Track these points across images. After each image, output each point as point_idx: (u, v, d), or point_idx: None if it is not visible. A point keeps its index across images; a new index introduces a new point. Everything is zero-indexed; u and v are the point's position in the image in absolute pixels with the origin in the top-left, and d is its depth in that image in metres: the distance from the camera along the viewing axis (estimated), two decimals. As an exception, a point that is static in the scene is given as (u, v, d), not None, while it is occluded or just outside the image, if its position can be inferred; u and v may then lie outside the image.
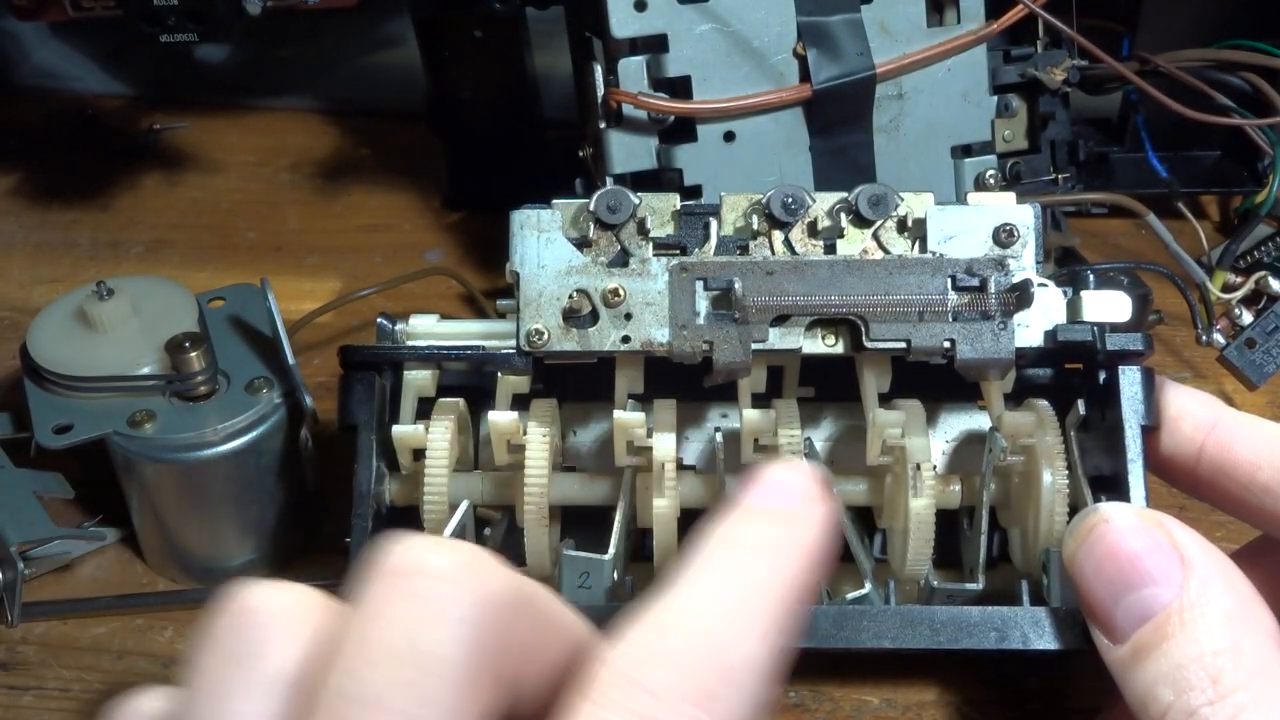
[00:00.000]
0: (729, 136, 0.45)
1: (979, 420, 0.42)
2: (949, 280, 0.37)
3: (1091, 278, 0.48)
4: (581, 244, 0.38)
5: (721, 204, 0.38)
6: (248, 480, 0.42)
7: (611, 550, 0.36)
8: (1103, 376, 0.38)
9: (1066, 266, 0.51)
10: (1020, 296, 0.36)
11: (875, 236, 0.38)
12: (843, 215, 0.38)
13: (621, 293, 0.37)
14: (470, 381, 0.41)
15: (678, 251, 0.38)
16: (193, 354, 0.42)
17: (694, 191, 0.45)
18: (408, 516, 0.39)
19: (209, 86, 0.74)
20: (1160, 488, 0.38)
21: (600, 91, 0.45)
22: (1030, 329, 0.37)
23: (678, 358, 0.37)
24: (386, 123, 0.70)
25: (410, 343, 0.40)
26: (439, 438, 0.38)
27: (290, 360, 0.42)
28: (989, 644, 0.35)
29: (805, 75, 0.44)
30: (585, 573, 0.35)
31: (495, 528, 0.41)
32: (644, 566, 0.39)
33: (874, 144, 0.46)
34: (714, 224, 0.38)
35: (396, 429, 0.38)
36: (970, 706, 0.39)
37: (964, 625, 0.35)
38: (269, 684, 0.24)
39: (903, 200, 0.38)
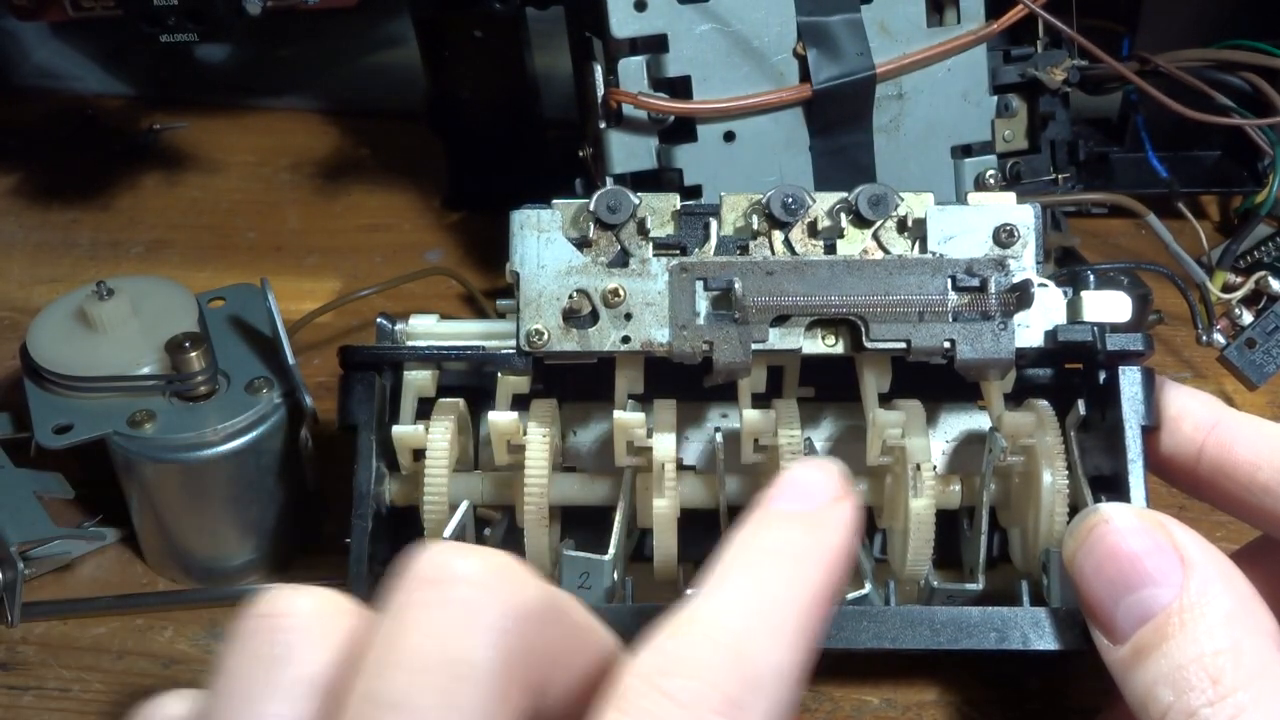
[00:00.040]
0: (729, 136, 0.45)
1: (979, 420, 0.42)
2: (949, 280, 0.37)
3: (1091, 278, 0.48)
4: (581, 244, 0.38)
5: (721, 204, 0.38)
6: (248, 480, 0.42)
7: (611, 550, 0.36)
8: (1103, 376, 0.38)
9: (1066, 266, 0.51)
10: (1020, 297, 0.36)
11: (875, 236, 0.38)
12: (843, 215, 0.38)
13: (621, 293, 0.37)
14: (470, 381, 0.41)
15: (678, 251, 0.38)
16: (193, 354, 0.42)
17: (694, 191, 0.45)
18: (408, 516, 0.39)
19: (209, 86, 0.74)
20: (1160, 488, 0.38)
21: (600, 91, 0.45)
22: (1030, 329, 0.37)
23: (678, 358, 0.37)
24: (386, 123, 0.70)
25: (410, 343, 0.40)
26: (439, 438, 0.38)
27: (290, 360, 0.42)
28: (989, 644, 0.35)
29: (805, 75, 0.44)
30: (585, 573, 0.35)
31: (495, 528, 0.41)
32: (644, 566, 0.39)
33: (874, 144, 0.46)
34: (714, 224, 0.38)
35: (396, 429, 0.38)
36: (970, 706, 0.39)
37: (964, 625, 0.35)
38: (298, 687, 0.24)
39: (903, 200, 0.38)
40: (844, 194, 0.38)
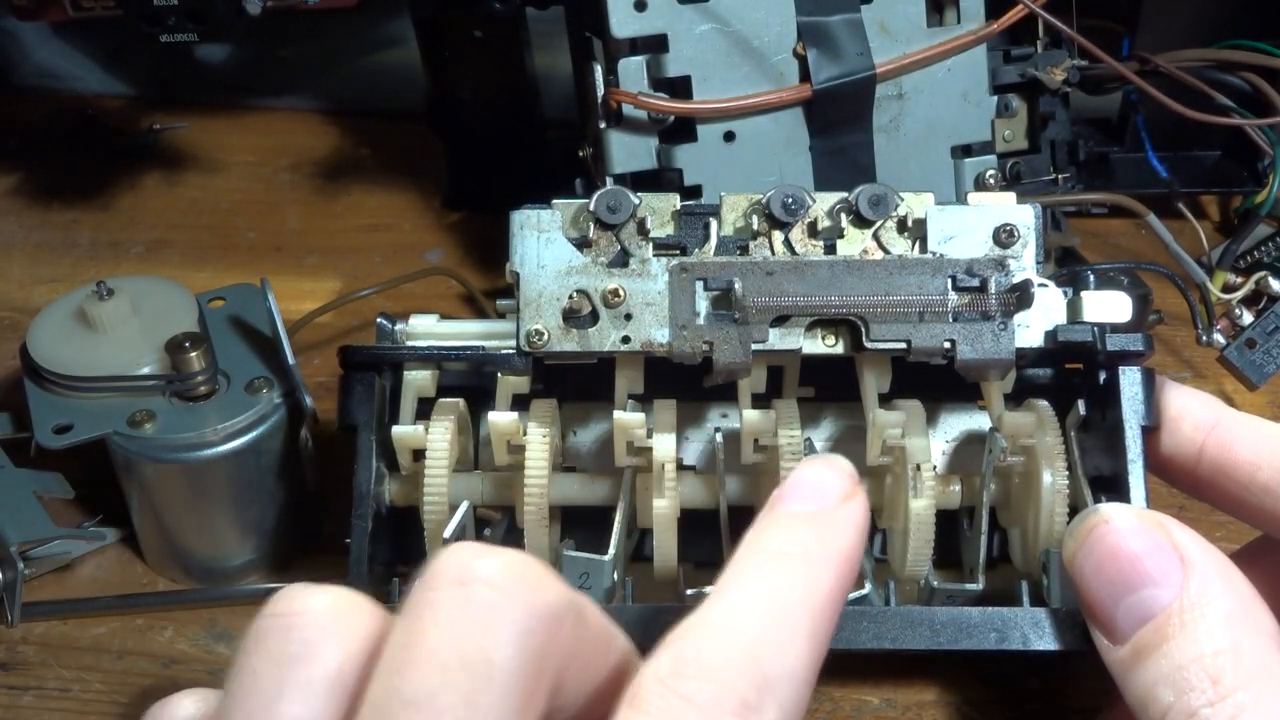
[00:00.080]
0: (729, 136, 0.45)
1: (979, 420, 0.42)
2: (949, 280, 0.37)
3: (1091, 278, 0.48)
4: (581, 244, 0.38)
5: (721, 204, 0.38)
6: (248, 480, 0.42)
7: (611, 551, 0.36)
8: (1103, 377, 0.38)
9: (1066, 266, 0.51)
10: (1020, 297, 0.36)
11: (875, 236, 0.38)
12: (843, 215, 0.38)
13: (621, 293, 0.37)
14: (470, 381, 0.41)
15: (678, 251, 0.38)
16: (193, 354, 0.42)
17: (694, 191, 0.45)
18: (408, 517, 0.39)
19: (209, 86, 0.74)
20: (1160, 488, 0.38)
21: (600, 91, 0.45)
22: (1030, 329, 0.37)
23: (678, 358, 0.37)
24: (386, 123, 0.70)
25: (410, 343, 0.40)
26: (439, 438, 0.38)
27: (290, 360, 0.42)
28: (989, 644, 0.35)
29: (805, 75, 0.44)
30: (585, 573, 0.35)
31: (495, 528, 0.41)
32: (644, 566, 0.39)
33: (874, 144, 0.46)
34: (714, 224, 0.38)
35: (396, 429, 0.38)
36: (970, 706, 0.39)
37: (964, 626, 0.35)
38: (315, 686, 0.24)
39: (903, 200, 0.38)
40: (844, 194, 0.38)
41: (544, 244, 0.38)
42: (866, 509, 0.29)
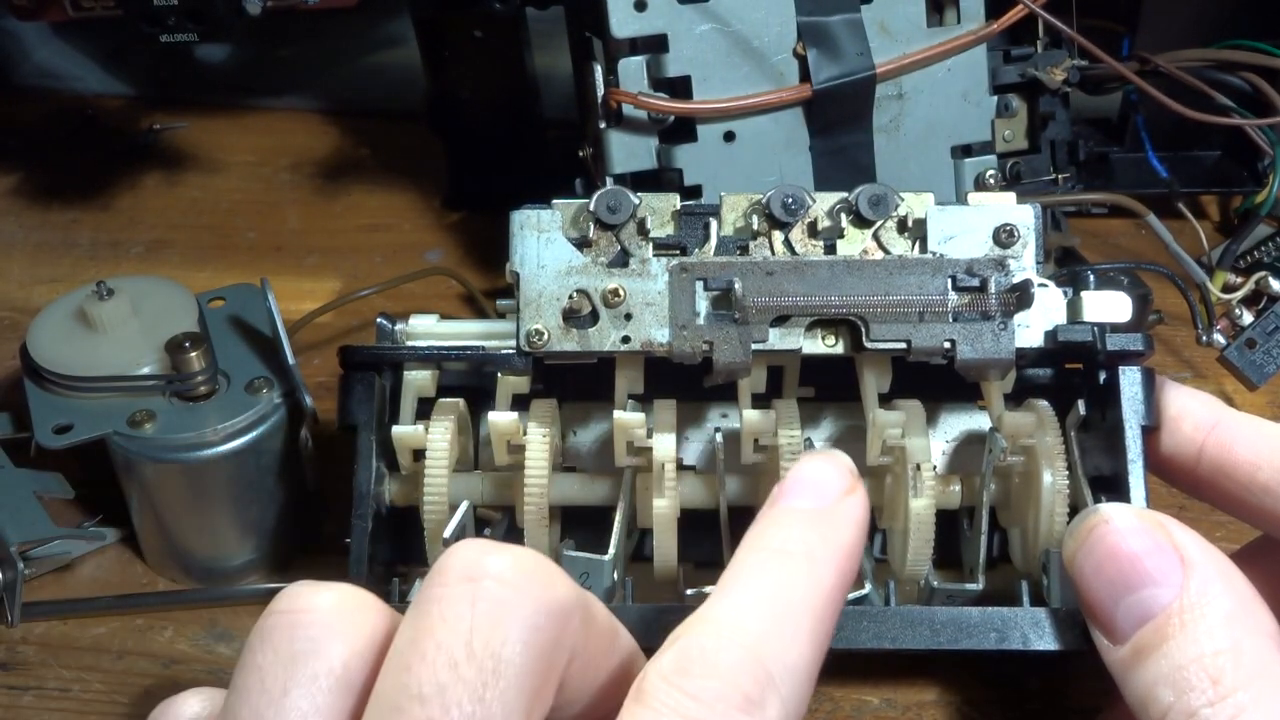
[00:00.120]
0: (729, 136, 0.45)
1: (979, 420, 0.42)
2: (949, 280, 0.37)
3: (1091, 278, 0.48)
4: (581, 244, 0.38)
5: (721, 204, 0.38)
6: (248, 480, 0.42)
7: (611, 550, 0.36)
8: (1103, 376, 0.38)
9: (1066, 266, 0.51)
10: (1020, 297, 0.36)
11: (875, 236, 0.38)
12: (843, 215, 0.38)
13: (621, 293, 0.37)
14: (470, 381, 0.41)
15: (678, 251, 0.38)
16: (193, 354, 0.42)
17: (694, 191, 0.45)
18: (408, 516, 0.39)
19: (209, 86, 0.74)
20: (1160, 488, 0.38)
21: (600, 91, 0.45)
22: (1030, 329, 0.37)
23: (678, 358, 0.37)
24: (386, 123, 0.70)
25: (410, 343, 0.40)
26: (439, 438, 0.38)
27: (290, 360, 0.42)
28: (989, 644, 0.35)
29: (805, 75, 0.44)
30: (585, 573, 0.35)
31: (495, 528, 0.41)
32: (644, 566, 0.39)
33: (874, 144, 0.46)
34: (714, 224, 0.38)
35: (396, 429, 0.38)
36: (970, 706, 0.39)
37: (964, 626, 0.35)
38: (322, 681, 0.24)
39: (903, 200, 0.38)
40: (844, 194, 0.38)
41: (544, 244, 0.38)
42: (866, 503, 0.30)
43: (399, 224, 0.63)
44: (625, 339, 0.37)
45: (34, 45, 0.77)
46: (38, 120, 0.73)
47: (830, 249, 0.38)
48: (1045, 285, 0.37)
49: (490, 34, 0.58)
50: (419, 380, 0.40)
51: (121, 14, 0.53)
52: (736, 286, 0.36)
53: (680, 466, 0.40)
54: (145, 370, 0.43)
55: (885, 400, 0.39)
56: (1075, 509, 0.37)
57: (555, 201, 0.38)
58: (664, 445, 0.38)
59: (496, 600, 0.24)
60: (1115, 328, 0.37)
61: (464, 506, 0.37)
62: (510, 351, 0.38)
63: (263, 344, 0.45)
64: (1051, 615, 0.35)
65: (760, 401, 0.39)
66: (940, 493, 0.39)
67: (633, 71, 0.44)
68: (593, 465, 0.42)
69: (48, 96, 0.74)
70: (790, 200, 0.38)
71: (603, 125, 0.45)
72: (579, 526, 0.42)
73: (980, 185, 0.47)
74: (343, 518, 0.37)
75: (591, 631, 0.26)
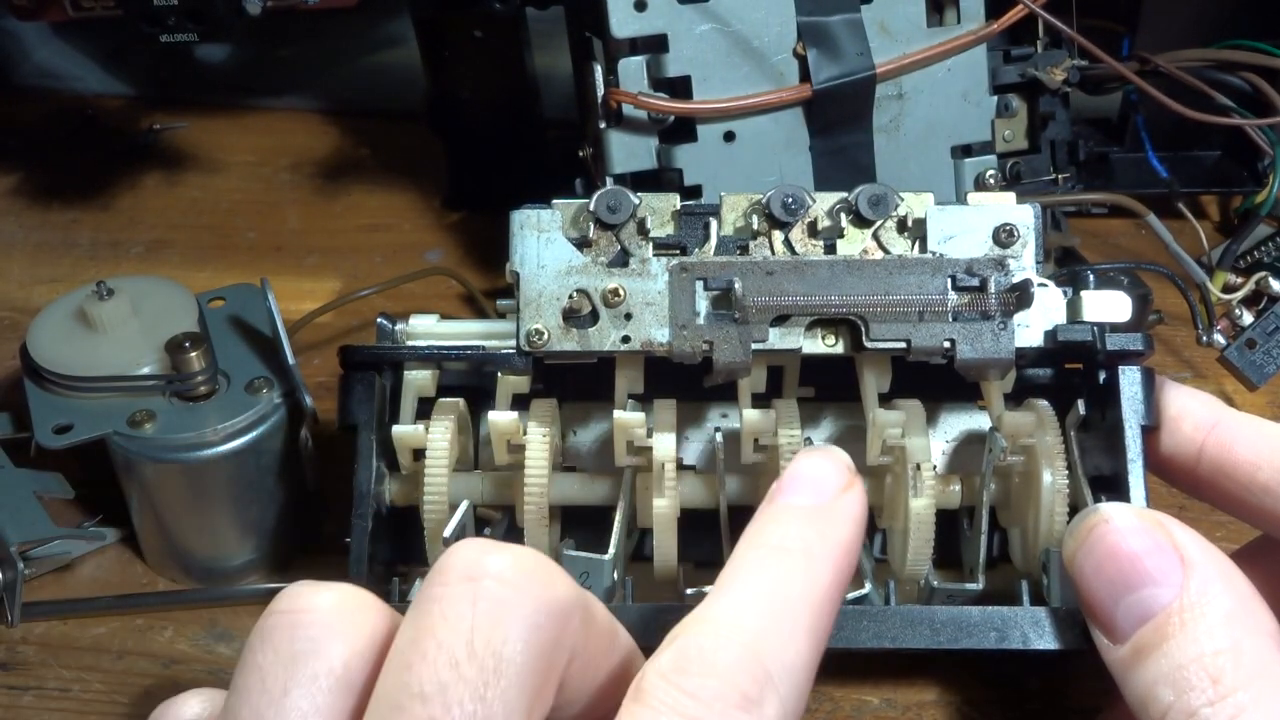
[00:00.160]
0: (729, 136, 0.45)
1: (979, 420, 0.42)
2: (949, 280, 0.37)
3: (1091, 278, 0.48)
4: (581, 244, 0.38)
5: (721, 204, 0.38)
6: (248, 480, 0.42)
7: (611, 550, 0.36)
8: (1103, 376, 0.38)
9: (1066, 266, 0.51)
10: (1020, 296, 0.36)
11: (875, 236, 0.38)
12: (843, 215, 0.38)
13: (621, 293, 0.37)
14: (470, 381, 0.41)
15: (678, 251, 0.38)
16: (193, 354, 0.42)
17: (694, 191, 0.45)
18: (408, 516, 0.39)
19: (209, 86, 0.75)
20: (1160, 488, 0.38)
21: (600, 91, 0.45)
22: (1030, 329, 0.37)
23: (678, 358, 0.37)
24: (386, 123, 0.70)
25: (410, 343, 0.40)
26: (439, 438, 0.38)
27: (290, 360, 0.42)
28: (989, 644, 0.35)
29: (805, 75, 0.44)
30: (585, 573, 0.35)
31: (495, 528, 0.41)
32: (644, 566, 0.39)
33: (874, 144, 0.46)
34: (714, 224, 0.38)
35: (396, 429, 0.38)
36: (970, 706, 0.39)
37: (964, 625, 0.35)
38: (322, 681, 0.24)
39: (903, 200, 0.38)
40: (844, 194, 0.38)
41: (544, 244, 0.38)
42: (864, 500, 0.30)
43: (399, 224, 0.63)
44: (625, 339, 0.37)
45: (34, 45, 0.77)
46: (38, 120, 0.73)
47: (830, 249, 0.38)
48: (1045, 285, 0.37)
49: (490, 34, 0.58)
50: (419, 380, 0.40)
51: (121, 14, 0.53)
52: (736, 286, 0.36)
53: (680, 466, 0.40)
54: (145, 370, 0.43)
55: (885, 400, 0.39)
56: (1075, 509, 0.37)
57: (555, 201, 0.38)
58: (664, 445, 0.38)
59: (497, 599, 0.24)
60: (1115, 328, 0.37)
61: (464, 506, 0.37)
62: (510, 351, 0.38)
63: (263, 344, 0.45)
64: (1051, 615, 0.35)
65: (760, 401, 0.39)
66: (940, 492, 0.39)
67: (633, 71, 0.44)
68: (593, 465, 0.42)
69: (48, 96, 0.74)
70: (790, 200, 0.38)
71: (603, 125, 0.45)
72: (579, 526, 0.42)
73: (980, 185, 0.47)
74: (343, 518, 0.37)
75: (591, 631, 0.26)
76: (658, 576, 0.39)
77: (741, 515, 0.31)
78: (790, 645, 0.26)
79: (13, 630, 0.43)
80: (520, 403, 0.39)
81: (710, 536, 0.38)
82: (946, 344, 0.37)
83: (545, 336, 0.37)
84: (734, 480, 0.39)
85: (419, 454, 0.38)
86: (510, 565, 0.24)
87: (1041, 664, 0.39)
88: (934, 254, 0.37)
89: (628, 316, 0.37)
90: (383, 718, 0.23)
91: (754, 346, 0.37)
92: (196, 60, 0.76)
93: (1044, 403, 0.39)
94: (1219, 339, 0.49)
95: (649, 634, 0.28)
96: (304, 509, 0.45)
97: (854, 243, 0.38)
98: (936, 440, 0.41)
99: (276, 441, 0.43)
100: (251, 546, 0.44)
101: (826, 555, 0.28)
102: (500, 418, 0.38)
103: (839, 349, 0.37)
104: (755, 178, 0.45)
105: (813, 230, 0.38)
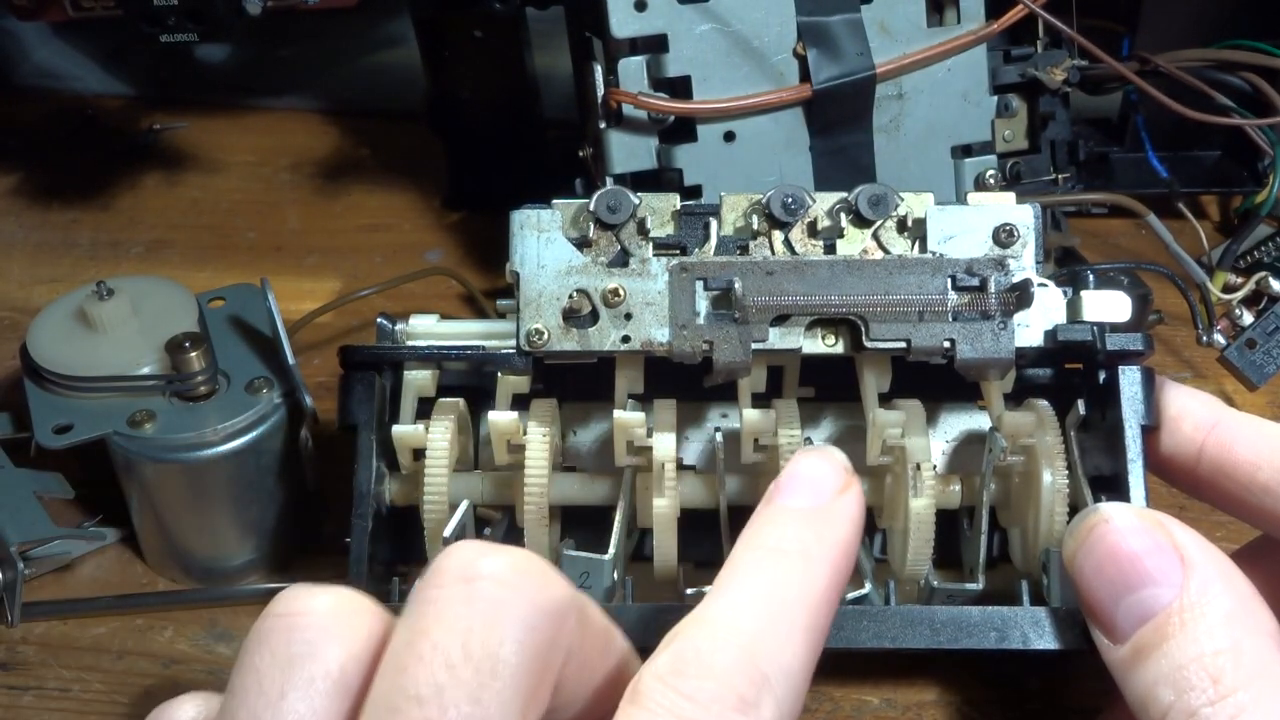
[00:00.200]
0: (729, 136, 0.45)
1: (979, 420, 0.42)
2: (949, 280, 0.37)
3: (1091, 278, 0.48)
4: (581, 244, 0.38)
5: (721, 204, 0.38)
6: (248, 480, 0.42)
7: (611, 550, 0.36)
8: (1103, 376, 0.38)
9: (1066, 266, 0.51)
10: (1020, 296, 0.36)
11: (875, 236, 0.38)
12: (843, 215, 0.38)
13: (621, 293, 0.37)
14: (470, 381, 0.41)
15: (678, 251, 0.38)
16: (193, 354, 0.42)
17: (694, 191, 0.45)
18: (408, 516, 0.39)
19: (209, 86, 0.75)
20: (1160, 488, 0.38)
21: (600, 91, 0.45)
22: (1030, 329, 0.37)
23: (678, 358, 0.37)
24: (386, 123, 0.70)
25: (410, 343, 0.40)
26: (439, 438, 0.38)
27: (290, 360, 0.42)
28: (989, 644, 0.35)
29: (805, 75, 0.44)
30: (585, 573, 0.35)
31: (495, 528, 0.41)
32: (644, 566, 0.39)
33: (874, 144, 0.46)
34: (714, 224, 0.38)
35: (396, 429, 0.38)
36: (970, 706, 0.39)
37: (964, 625, 0.35)
38: (321, 685, 0.24)
39: (903, 200, 0.38)
40: (844, 194, 0.38)
41: (544, 244, 0.38)
42: (862, 501, 0.30)
43: (399, 224, 0.63)
44: (625, 339, 0.37)
45: (34, 45, 0.77)
46: (38, 120, 0.73)
47: (830, 249, 0.38)
48: (1045, 285, 0.37)
49: (490, 34, 0.58)
50: (419, 380, 0.40)
51: (121, 14, 0.53)
52: (736, 286, 0.36)
53: (680, 466, 0.40)
54: (145, 370, 0.43)
55: (885, 400, 0.39)
56: (1075, 509, 0.37)
57: (555, 201, 0.38)
58: (664, 445, 0.38)
59: (492, 601, 0.24)
60: (1115, 327, 0.37)
61: (464, 506, 0.37)
62: (510, 351, 0.38)
63: (263, 344, 0.45)
64: (1051, 615, 0.35)
65: (760, 401, 0.39)
66: (940, 492, 0.39)
67: (633, 71, 0.44)
68: (593, 465, 0.42)
69: (48, 96, 0.74)
70: (790, 200, 0.38)
71: (603, 125, 0.45)
72: (579, 526, 0.42)
73: (980, 185, 0.47)
74: (343, 518, 0.37)
75: (587, 632, 0.26)
76: (658, 576, 0.39)
77: (741, 515, 0.31)
78: (787, 647, 0.26)
79: (13, 630, 0.43)
80: (520, 403, 0.39)
81: (710, 536, 0.38)
82: (946, 344, 0.37)
83: (545, 336, 0.37)
84: (734, 480, 0.39)
85: (419, 454, 0.38)
86: (505, 566, 0.24)
87: (1041, 664, 0.39)
88: (934, 254, 0.37)
89: (628, 316, 0.37)
90: None
91: (754, 346, 0.37)
92: (196, 60, 0.76)
93: (1044, 403, 0.39)
94: (1219, 339, 0.49)
95: (649, 634, 0.28)
96: (304, 509, 0.45)
97: (854, 243, 0.38)
98: (936, 440, 0.41)
99: (276, 441, 0.43)
100: (251, 546, 0.44)
101: (824, 557, 0.28)
102: (500, 418, 0.38)
103: (839, 349, 0.37)
104: (755, 178, 0.45)
105: (813, 230, 0.38)
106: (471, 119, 0.61)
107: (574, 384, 0.42)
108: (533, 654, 0.24)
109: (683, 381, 0.38)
